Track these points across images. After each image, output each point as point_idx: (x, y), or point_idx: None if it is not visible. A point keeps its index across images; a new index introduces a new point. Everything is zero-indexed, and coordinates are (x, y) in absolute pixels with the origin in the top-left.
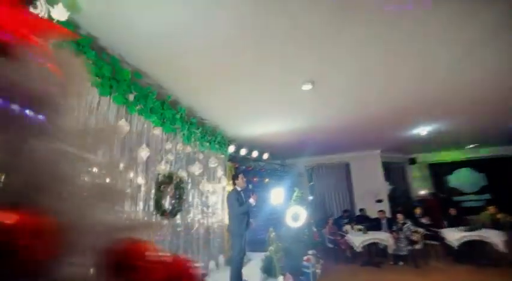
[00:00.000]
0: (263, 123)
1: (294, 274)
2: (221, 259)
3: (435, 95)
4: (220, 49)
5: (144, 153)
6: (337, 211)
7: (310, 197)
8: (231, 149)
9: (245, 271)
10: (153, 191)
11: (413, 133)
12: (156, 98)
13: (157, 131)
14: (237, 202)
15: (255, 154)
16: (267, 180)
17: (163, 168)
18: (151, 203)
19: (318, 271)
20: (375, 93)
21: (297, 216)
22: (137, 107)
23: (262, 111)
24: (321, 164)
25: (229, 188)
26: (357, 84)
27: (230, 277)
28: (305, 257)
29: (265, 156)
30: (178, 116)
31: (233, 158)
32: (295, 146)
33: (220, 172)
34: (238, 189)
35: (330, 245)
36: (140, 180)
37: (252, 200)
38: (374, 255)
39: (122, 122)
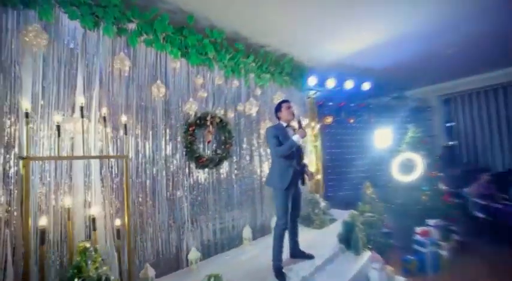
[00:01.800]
0: (360, 31)
1: (399, 252)
2: None
3: None
4: None
5: (158, 90)
6: (499, 162)
7: (450, 143)
8: (312, 81)
9: (320, 236)
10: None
11: None
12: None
13: (178, 64)
14: (275, 140)
15: (349, 84)
16: (369, 119)
17: (192, 107)
18: (180, 147)
19: (444, 252)
20: None
21: (409, 166)
22: (142, 38)
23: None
24: (464, 92)
25: (313, 130)
26: None
27: (272, 250)
28: (419, 229)
29: (366, 86)
30: (208, 41)
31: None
32: (416, 66)
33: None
34: (283, 124)
35: (479, 215)
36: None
37: (296, 137)
38: None
39: (120, 57)
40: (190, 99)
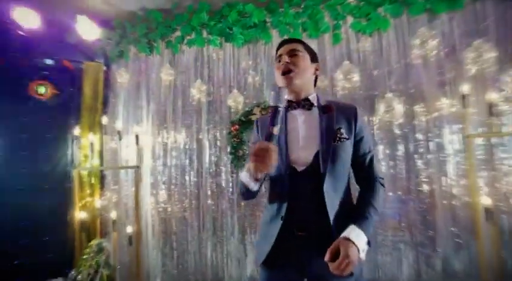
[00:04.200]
0: None
1: None
2: None
3: None
4: None
5: (199, 89)
6: None
7: None
8: None
9: None
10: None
11: None
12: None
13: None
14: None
15: None
16: None
17: (237, 100)
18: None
19: None
20: None
21: None
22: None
23: None
24: None
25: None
26: None
27: None
28: None
29: None
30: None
31: None
32: None
33: None
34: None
35: None
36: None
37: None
38: None
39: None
40: (234, 90)
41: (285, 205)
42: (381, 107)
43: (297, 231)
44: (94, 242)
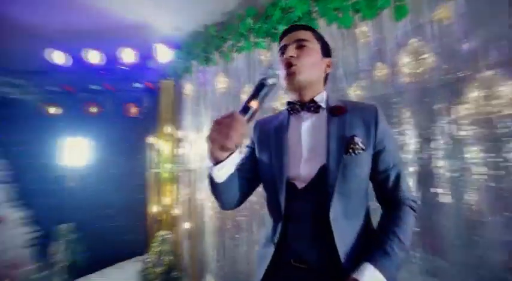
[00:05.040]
0: None
1: None
2: None
3: None
4: None
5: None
6: None
7: None
8: None
9: None
10: None
11: None
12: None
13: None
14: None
15: None
16: None
17: (282, 101)
18: None
19: None
20: None
21: None
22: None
23: None
24: None
25: None
26: None
27: None
28: None
29: None
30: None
31: None
32: None
33: None
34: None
35: None
36: None
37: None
38: None
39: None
40: (280, 91)
41: (279, 230)
42: (472, 94)
43: (294, 262)
44: (160, 234)
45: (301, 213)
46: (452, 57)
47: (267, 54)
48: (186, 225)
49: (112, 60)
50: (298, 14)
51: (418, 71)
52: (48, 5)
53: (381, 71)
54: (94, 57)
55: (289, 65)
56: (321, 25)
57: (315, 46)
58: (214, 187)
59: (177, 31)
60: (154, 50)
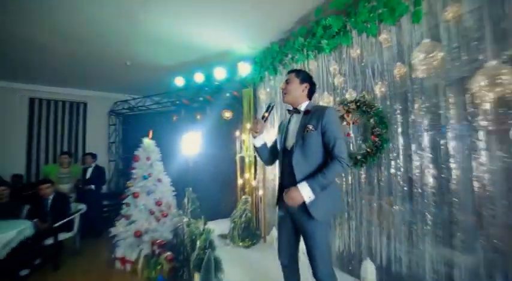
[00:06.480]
0: None
1: None
2: None
3: None
4: None
5: None
6: None
7: None
8: None
9: None
10: None
11: None
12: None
13: (315, 65)
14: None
15: None
16: None
17: (325, 101)
18: None
19: None
20: None
21: None
22: (292, 63)
23: None
24: None
25: None
26: None
27: None
28: None
29: None
30: (335, 17)
31: None
32: None
33: None
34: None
35: None
36: None
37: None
38: None
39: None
40: (325, 92)
41: (280, 170)
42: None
43: (284, 186)
44: (243, 197)
45: (287, 162)
46: (466, 47)
47: (315, 63)
48: (260, 192)
49: (210, 78)
50: (335, 29)
51: (433, 64)
52: (168, 49)
53: (400, 70)
54: (199, 77)
55: (283, 91)
56: (353, 35)
57: (294, 79)
58: (256, 149)
59: (252, 50)
60: (238, 66)
